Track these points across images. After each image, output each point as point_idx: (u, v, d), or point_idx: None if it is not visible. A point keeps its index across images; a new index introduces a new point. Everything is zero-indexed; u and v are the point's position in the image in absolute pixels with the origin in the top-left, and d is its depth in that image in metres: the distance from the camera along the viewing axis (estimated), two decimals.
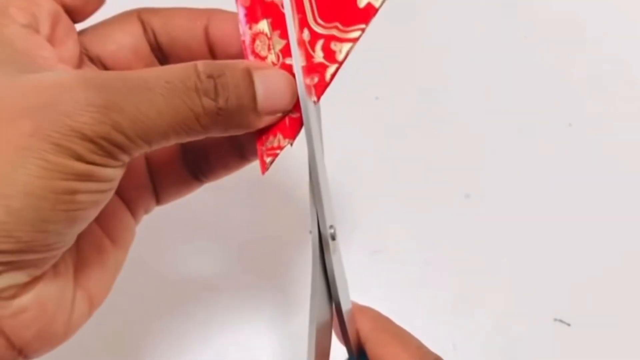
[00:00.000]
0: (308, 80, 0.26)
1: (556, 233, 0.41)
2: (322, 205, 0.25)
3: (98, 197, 0.23)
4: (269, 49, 0.26)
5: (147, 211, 0.30)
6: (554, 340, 0.38)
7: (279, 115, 0.26)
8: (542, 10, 0.49)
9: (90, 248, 0.26)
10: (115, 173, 0.23)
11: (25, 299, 0.22)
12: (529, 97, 0.46)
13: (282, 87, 0.25)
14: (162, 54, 0.29)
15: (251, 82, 0.24)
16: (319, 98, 0.26)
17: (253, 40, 0.27)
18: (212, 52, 0.28)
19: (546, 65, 0.47)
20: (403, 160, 0.44)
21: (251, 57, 0.27)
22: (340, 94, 0.45)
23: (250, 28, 0.27)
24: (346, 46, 0.25)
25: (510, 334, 0.38)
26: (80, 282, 0.25)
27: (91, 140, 0.21)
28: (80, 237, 0.24)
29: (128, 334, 0.38)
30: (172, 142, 0.24)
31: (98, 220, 0.26)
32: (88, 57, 0.28)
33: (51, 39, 0.25)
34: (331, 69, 0.26)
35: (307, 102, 0.25)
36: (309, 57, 0.26)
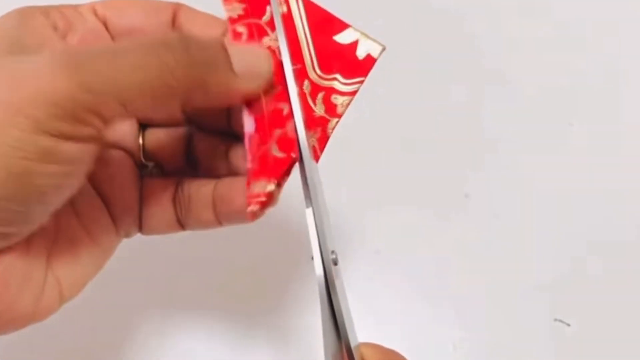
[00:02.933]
0: (311, 134, 0.25)
1: (556, 233, 0.41)
2: (323, 231, 0.25)
3: (59, 181, 0.22)
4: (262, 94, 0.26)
5: (127, 235, 0.29)
6: (554, 340, 0.38)
7: (259, 83, 0.25)
8: (542, 9, 0.49)
9: (66, 240, 0.26)
10: (81, 151, 0.22)
11: None
12: (529, 97, 0.46)
13: (257, 54, 0.25)
14: None
15: (224, 47, 0.24)
16: (322, 151, 0.25)
17: None
18: None
19: (546, 65, 0.47)
20: (403, 160, 0.44)
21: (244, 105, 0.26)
22: None
23: None
24: (346, 99, 0.25)
25: (510, 334, 0.38)
26: (52, 268, 0.25)
27: (55, 102, 0.20)
28: (59, 225, 0.24)
29: None
30: (151, 103, 0.22)
31: (78, 213, 0.26)
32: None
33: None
34: (332, 122, 0.25)
35: (310, 163, 0.24)
36: (309, 110, 0.25)
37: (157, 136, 0.29)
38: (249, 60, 0.24)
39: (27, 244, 0.23)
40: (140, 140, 0.29)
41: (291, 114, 0.25)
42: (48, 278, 0.25)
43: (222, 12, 0.27)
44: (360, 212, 0.42)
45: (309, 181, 0.25)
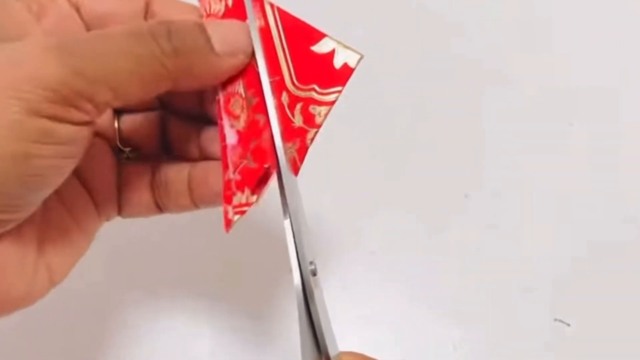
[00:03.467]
0: (290, 145, 0.25)
1: (556, 233, 0.41)
2: (301, 242, 0.25)
3: (58, 162, 0.22)
4: (242, 109, 0.26)
5: (108, 218, 0.29)
6: (554, 340, 0.38)
7: (242, 57, 0.25)
8: (540, 10, 0.49)
9: (55, 227, 0.26)
10: (78, 133, 0.22)
11: None
12: (529, 97, 0.46)
13: (235, 29, 0.25)
14: None
15: (203, 29, 0.25)
16: (302, 162, 0.25)
17: (227, 101, 0.26)
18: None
19: (546, 65, 0.47)
20: (403, 160, 0.44)
21: (224, 116, 0.26)
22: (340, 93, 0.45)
23: (224, 89, 0.26)
24: (324, 109, 0.25)
25: (510, 333, 0.38)
26: (43, 253, 0.25)
27: (50, 87, 0.21)
28: (47, 212, 0.24)
29: None
30: (140, 89, 0.23)
31: (67, 205, 0.26)
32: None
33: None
34: (311, 133, 0.25)
35: (288, 174, 0.25)
36: (287, 121, 0.25)
37: (132, 121, 0.30)
38: (228, 37, 0.25)
39: (19, 230, 0.24)
40: (116, 126, 0.29)
41: (267, 125, 0.25)
42: (39, 264, 0.25)
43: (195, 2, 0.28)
44: (359, 212, 0.42)
45: (286, 192, 0.25)
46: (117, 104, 0.23)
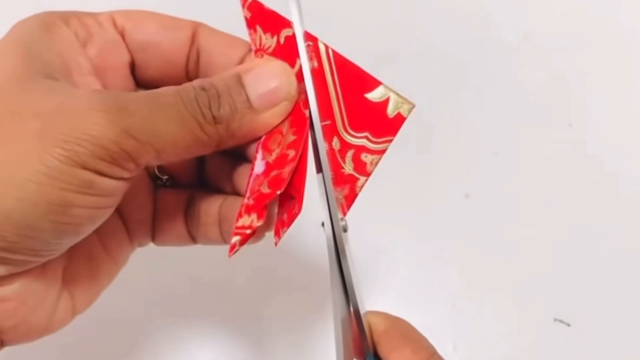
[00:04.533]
0: (339, 190, 0.25)
1: (556, 233, 0.41)
2: (333, 197, 0.25)
3: (94, 212, 0.22)
4: (278, 144, 0.26)
5: (141, 244, 0.29)
6: (554, 340, 0.38)
7: (286, 104, 0.25)
8: (539, 11, 0.49)
9: (84, 257, 0.26)
10: (117, 187, 0.22)
11: (7, 290, 0.23)
12: (529, 97, 0.46)
13: (276, 73, 0.25)
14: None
15: (240, 85, 0.24)
16: (349, 208, 0.25)
17: (268, 137, 0.26)
18: (190, 68, 0.28)
19: (546, 64, 0.47)
20: (403, 160, 0.44)
21: (260, 150, 0.26)
22: None
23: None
24: (376, 158, 0.25)
25: (510, 334, 0.38)
26: (67, 285, 0.25)
27: (99, 144, 0.21)
28: (79, 247, 0.24)
29: None
30: (183, 152, 0.23)
31: (100, 235, 0.26)
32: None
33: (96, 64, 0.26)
34: (361, 180, 0.25)
35: (337, 219, 0.25)
36: (338, 167, 0.25)
37: None
38: (265, 87, 0.25)
39: (43, 266, 0.24)
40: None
41: (294, 159, 0.24)
42: (62, 295, 0.25)
43: (243, 34, 0.27)
44: (359, 212, 0.41)
45: (320, 153, 0.25)
46: (158, 163, 0.24)
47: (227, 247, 0.27)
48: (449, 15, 0.49)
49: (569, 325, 0.39)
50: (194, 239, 0.29)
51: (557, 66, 0.47)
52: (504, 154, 0.44)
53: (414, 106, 0.25)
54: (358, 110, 0.25)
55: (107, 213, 0.23)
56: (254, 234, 0.24)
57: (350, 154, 0.25)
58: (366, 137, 0.25)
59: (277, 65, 0.25)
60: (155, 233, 0.29)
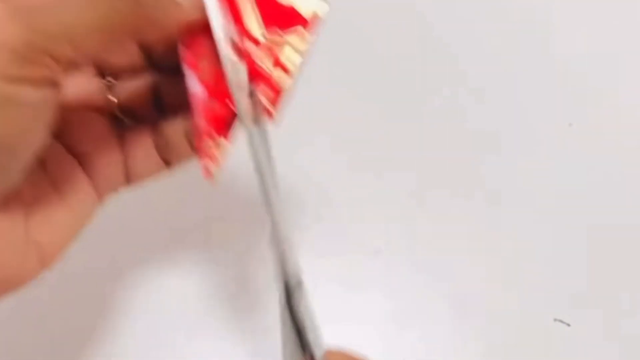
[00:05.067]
0: (258, 90, 0.26)
1: (556, 233, 0.41)
2: (285, 257, 0.25)
3: (24, 126, 0.22)
4: (204, 57, 0.26)
5: (115, 190, 0.29)
6: (554, 340, 0.38)
7: (201, 7, 0.25)
8: (541, 9, 0.49)
9: (40, 201, 0.26)
10: (39, 96, 0.22)
11: None
12: (529, 97, 0.46)
13: None
14: None
15: None
16: (276, 110, 0.26)
17: (191, 53, 0.26)
18: None
19: (546, 65, 0.47)
20: (403, 160, 0.44)
21: (187, 68, 0.26)
22: (341, 93, 0.45)
23: (187, 42, 0.27)
24: (296, 56, 0.26)
25: (510, 334, 0.38)
26: (30, 231, 0.25)
27: (7, 47, 0.21)
28: (33, 189, 0.25)
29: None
30: (100, 42, 0.23)
31: (50, 177, 0.26)
32: None
33: None
34: (282, 78, 0.26)
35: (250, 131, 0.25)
36: (252, 64, 0.26)
37: (125, 88, 0.30)
38: None
39: (5, 206, 0.24)
40: (110, 95, 0.29)
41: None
42: (28, 242, 0.25)
43: None
44: (359, 212, 0.42)
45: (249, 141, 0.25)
46: (80, 58, 0.23)
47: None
48: (449, 16, 0.49)
49: (569, 325, 0.39)
50: (169, 164, 0.29)
51: (557, 64, 0.47)
52: (504, 154, 0.44)
53: (327, 7, 0.26)
54: (269, 11, 0.26)
55: (39, 130, 0.23)
56: (223, 153, 0.25)
57: (264, 52, 0.26)
58: (280, 35, 0.26)
59: None
60: (130, 171, 0.29)
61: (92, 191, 0.28)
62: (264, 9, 0.26)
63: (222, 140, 0.25)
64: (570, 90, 0.46)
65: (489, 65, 0.47)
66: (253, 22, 0.26)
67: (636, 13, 0.49)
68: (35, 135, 0.23)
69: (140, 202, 0.35)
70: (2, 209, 0.24)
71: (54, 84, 0.22)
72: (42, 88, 0.22)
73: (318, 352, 0.25)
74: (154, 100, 0.30)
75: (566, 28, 0.48)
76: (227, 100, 0.25)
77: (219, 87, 0.26)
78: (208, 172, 0.26)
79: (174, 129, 0.29)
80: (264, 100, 0.26)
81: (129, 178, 0.29)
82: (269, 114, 0.26)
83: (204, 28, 0.26)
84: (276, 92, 0.26)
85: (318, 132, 0.43)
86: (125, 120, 0.30)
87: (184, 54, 0.26)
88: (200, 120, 0.26)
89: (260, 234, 0.40)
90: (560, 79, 0.46)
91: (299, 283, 0.25)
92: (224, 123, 0.25)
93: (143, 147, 0.29)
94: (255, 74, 0.26)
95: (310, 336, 0.25)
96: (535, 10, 0.49)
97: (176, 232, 0.41)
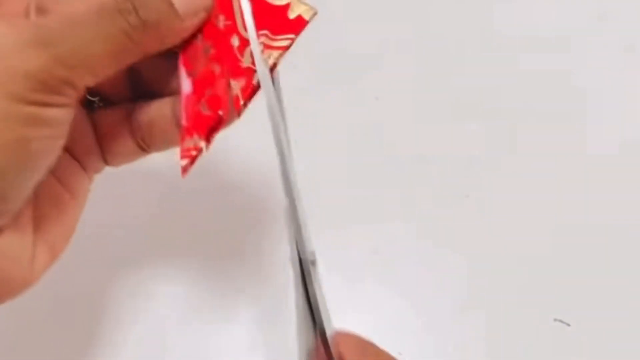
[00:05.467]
0: (235, 82, 0.26)
1: (556, 233, 0.41)
2: (301, 232, 0.25)
3: (50, 143, 0.23)
4: (198, 58, 0.27)
5: (97, 171, 0.30)
6: (554, 340, 0.38)
7: (203, 14, 0.27)
8: (541, 9, 0.49)
9: (48, 199, 0.27)
10: (63, 114, 0.23)
11: None
12: (529, 96, 0.46)
13: None
14: None
15: None
16: (245, 100, 0.26)
17: (185, 53, 0.27)
18: None
19: (546, 65, 0.47)
20: (403, 160, 0.44)
21: (182, 68, 0.27)
22: (341, 93, 0.45)
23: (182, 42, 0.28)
24: (275, 53, 0.26)
25: (510, 334, 0.38)
26: (40, 232, 0.26)
27: (33, 77, 0.22)
28: (39, 191, 0.25)
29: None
30: (115, 66, 0.24)
31: (54, 173, 0.26)
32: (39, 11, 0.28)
33: None
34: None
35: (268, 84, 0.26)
36: (236, 61, 0.27)
37: None
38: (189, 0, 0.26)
39: (15, 222, 0.24)
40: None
41: (222, 75, 0.26)
42: (38, 242, 0.26)
43: None
44: (359, 212, 0.42)
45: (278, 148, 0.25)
46: (95, 82, 0.24)
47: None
48: (449, 16, 0.49)
49: (569, 325, 0.39)
50: (145, 150, 0.30)
51: (559, 65, 0.47)
52: (504, 154, 0.44)
53: (316, 12, 0.26)
54: (258, 11, 0.27)
55: (61, 143, 0.24)
56: (200, 154, 0.26)
57: (248, 50, 0.26)
58: (265, 35, 0.26)
59: None
60: (105, 156, 0.30)
61: (84, 172, 0.29)
62: (252, 7, 0.27)
63: (202, 142, 0.26)
64: (569, 91, 0.46)
65: (489, 65, 0.47)
66: (239, 19, 0.27)
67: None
68: (58, 149, 0.24)
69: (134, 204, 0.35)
70: (13, 227, 0.24)
71: (71, 106, 0.24)
72: (60, 110, 0.23)
73: (329, 331, 0.25)
74: (128, 81, 0.30)
75: (566, 26, 0.48)
76: (215, 106, 0.26)
77: (209, 90, 0.26)
78: (184, 170, 0.26)
79: (159, 111, 0.29)
80: (239, 92, 0.26)
81: (106, 160, 0.30)
82: (238, 105, 0.26)
83: (199, 30, 0.27)
84: (251, 86, 0.26)
85: (318, 132, 0.43)
86: (96, 102, 0.30)
87: (179, 55, 0.27)
88: (188, 119, 0.27)
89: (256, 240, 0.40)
90: (560, 79, 0.46)
91: (313, 262, 0.26)
92: (208, 126, 0.26)
93: (117, 134, 0.29)
94: (237, 68, 0.27)
95: (323, 315, 0.25)
96: (534, 8, 0.49)
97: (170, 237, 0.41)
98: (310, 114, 0.42)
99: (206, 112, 0.26)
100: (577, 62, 0.47)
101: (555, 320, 0.39)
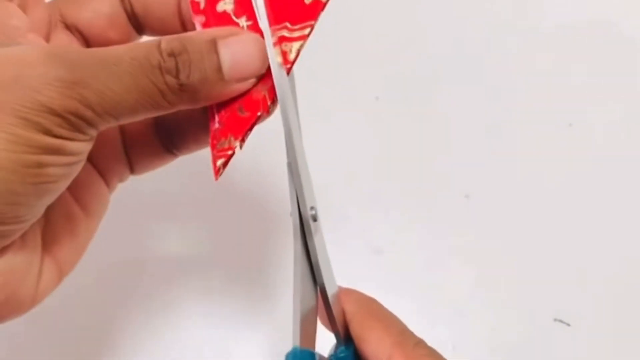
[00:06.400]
0: (261, 84, 0.26)
1: (556, 233, 0.41)
2: (302, 186, 0.25)
3: (67, 170, 0.23)
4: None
5: (121, 180, 0.30)
6: (554, 340, 0.38)
7: (252, 80, 0.25)
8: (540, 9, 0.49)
9: (61, 217, 0.26)
10: (84, 146, 0.23)
11: None
12: (529, 97, 0.46)
13: (250, 51, 0.25)
14: (138, 24, 0.29)
15: (215, 53, 0.24)
16: (272, 101, 0.26)
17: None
18: (184, 26, 0.28)
19: (547, 65, 0.47)
20: (403, 160, 0.44)
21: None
22: (341, 94, 0.45)
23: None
24: (296, 45, 0.25)
25: (510, 334, 0.38)
26: (49, 250, 0.26)
27: (59, 115, 0.21)
28: (50, 207, 0.24)
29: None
30: (141, 116, 0.24)
31: (70, 189, 0.26)
32: (64, 24, 0.28)
33: (22, 5, 0.26)
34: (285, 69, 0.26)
35: (281, 75, 0.25)
36: None
37: None
38: (241, 64, 0.25)
39: (22, 237, 0.24)
40: None
41: (266, 80, 0.25)
42: (45, 261, 0.25)
43: None
44: (359, 212, 0.42)
45: (279, 98, 0.25)
46: (117, 124, 0.24)
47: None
48: (449, 16, 0.49)
49: (569, 325, 0.39)
50: (173, 153, 0.29)
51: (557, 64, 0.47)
52: (504, 154, 0.44)
53: None
54: (276, 4, 0.26)
55: (78, 168, 0.24)
56: (234, 155, 0.25)
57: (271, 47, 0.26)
58: (285, 28, 0.26)
59: (254, 39, 0.25)
60: (132, 162, 0.29)
61: (106, 189, 0.29)
62: (270, 3, 0.26)
63: (237, 142, 0.26)
64: (570, 90, 0.46)
65: (489, 65, 0.47)
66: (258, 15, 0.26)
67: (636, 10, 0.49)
68: (73, 177, 0.24)
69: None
70: (20, 244, 0.24)
71: (93, 140, 0.23)
72: (81, 143, 0.23)
73: (330, 288, 0.25)
74: None
75: (565, 27, 0.48)
76: (254, 108, 0.25)
77: (247, 93, 0.26)
78: (218, 171, 0.26)
79: (176, 115, 0.28)
80: (266, 93, 0.26)
81: (132, 169, 0.29)
82: (266, 107, 0.26)
83: None
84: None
85: (318, 132, 0.43)
86: None
87: None
88: (222, 122, 0.26)
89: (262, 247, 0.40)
90: (560, 79, 0.46)
91: (314, 217, 0.25)
92: (245, 127, 0.25)
93: (145, 137, 0.29)
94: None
95: (324, 271, 0.25)
96: (532, 9, 0.49)
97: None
98: (310, 114, 0.42)
99: (243, 114, 0.25)
100: (577, 61, 0.47)
101: (555, 320, 0.39)
